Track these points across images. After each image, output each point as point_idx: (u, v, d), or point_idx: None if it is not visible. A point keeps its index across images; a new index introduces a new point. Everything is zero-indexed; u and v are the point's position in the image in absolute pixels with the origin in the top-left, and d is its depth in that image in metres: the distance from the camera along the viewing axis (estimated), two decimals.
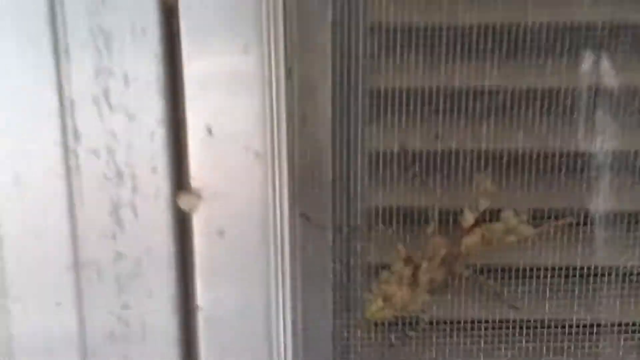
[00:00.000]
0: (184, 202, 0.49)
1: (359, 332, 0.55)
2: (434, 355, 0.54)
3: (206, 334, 0.52)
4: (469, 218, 0.47)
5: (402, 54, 0.49)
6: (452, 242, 0.49)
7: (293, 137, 0.50)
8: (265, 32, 0.46)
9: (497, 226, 0.48)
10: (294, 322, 0.52)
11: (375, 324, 0.52)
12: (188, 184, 0.49)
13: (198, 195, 0.49)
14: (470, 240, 0.49)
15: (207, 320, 0.52)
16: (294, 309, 0.52)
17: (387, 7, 0.47)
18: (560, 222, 0.48)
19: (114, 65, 0.47)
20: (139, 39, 0.47)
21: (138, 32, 0.47)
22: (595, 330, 0.54)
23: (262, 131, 0.48)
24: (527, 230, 0.47)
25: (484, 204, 0.47)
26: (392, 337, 0.54)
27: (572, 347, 0.54)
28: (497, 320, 0.53)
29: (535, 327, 0.53)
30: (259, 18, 0.46)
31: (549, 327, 0.53)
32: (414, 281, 0.50)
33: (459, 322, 0.53)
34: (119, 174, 0.49)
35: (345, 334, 0.55)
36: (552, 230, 0.48)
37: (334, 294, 0.55)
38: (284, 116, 0.48)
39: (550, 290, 0.52)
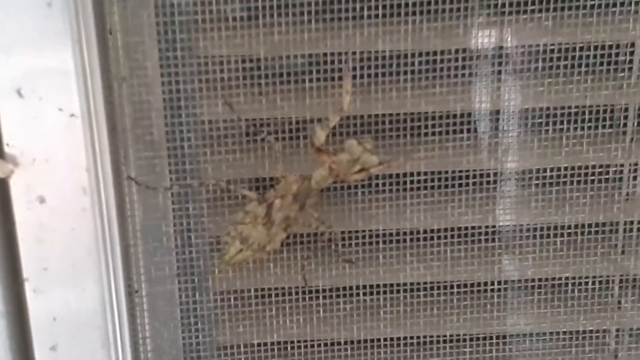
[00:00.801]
0: None
1: (202, 295, 0.54)
2: None
3: (34, 304, 0.50)
4: (320, 135, 0.46)
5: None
6: (303, 178, 0.49)
7: (112, 98, 0.47)
8: None
9: (343, 156, 0.47)
10: (127, 284, 0.50)
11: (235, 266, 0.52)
12: (2, 150, 0.46)
13: (14, 161, 0.47)
14: (319, 174, 0.49)
15: (35, 290, 0.49)
16: (126, 272, 0.50)
17: None
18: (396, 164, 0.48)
19: None
20: None
21: None
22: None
23: (77, 91, 0.46)
24: (371, 160, 0.47)
25: (333, 120, 0.46)
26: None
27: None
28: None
29: None
30: None
31: None
32: (268, 220, 0.48)
33: None
34: None
35: (188, 299, 0.53)
36: (392, 166, 0.48)
37: (175, 258, 0.53)
38: (98, 75, 0.46)
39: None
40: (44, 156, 0.47)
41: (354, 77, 0.47)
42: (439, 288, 0.55)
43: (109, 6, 0.47)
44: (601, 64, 0.49)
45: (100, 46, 0.46)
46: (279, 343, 0.55)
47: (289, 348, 0.55)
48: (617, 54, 0.49)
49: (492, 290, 0.55)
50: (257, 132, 0.49)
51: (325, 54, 0.48)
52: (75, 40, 0.45)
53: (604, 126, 0.51)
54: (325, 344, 0.56)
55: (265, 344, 0.55)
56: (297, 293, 0.54)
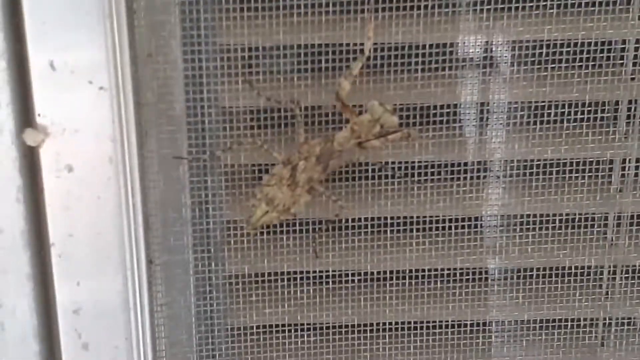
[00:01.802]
0: (30, 137, 0.49)
1: (218, 265, 0.56)
2: None
3: (60, 269, 0.52)
4: (345, 86, 0.49)
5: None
6: (325, 140, 0.51)
7: (138, 73, 0.50)
8: None
9: (364, 117, 0.50)
10: (147, 252, 0.53)
11: (262, 228, 0.54)
12: (34, 119, 0.49)
13: (44, 131, 0.49)
14: (341, 136, 0.51)
15: (60, 255, 0.52)
16: (147, 241, 0.53)
17: None
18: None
19: None
20: None
21: None
22: None
23: (106, 66, 0.49)
24: (391, 120, 0.49)
25: (357, 66, 0.49)
26: None
27: None
28: None
29: None
30: None
31: None
32: (293, 182, 0.51)
33: None
34: None
35: (203, 268, 0.56)
36: (410, 134, 0.51)
37: (192, 229, 0.55)
38: (127, 51, 0.49)
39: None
40: (74, 127, 0.50)
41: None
42: (429, 277, 0.57)
43: None
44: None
45: (129, 23, 0.48)
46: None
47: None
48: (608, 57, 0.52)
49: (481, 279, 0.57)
50: (278, 103, 0.51)
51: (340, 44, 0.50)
52: (106, 17, 0.47)
53: (595, 119, 0.54)
54: (340, 326, 0.58)
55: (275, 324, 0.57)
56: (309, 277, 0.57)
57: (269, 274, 0.57)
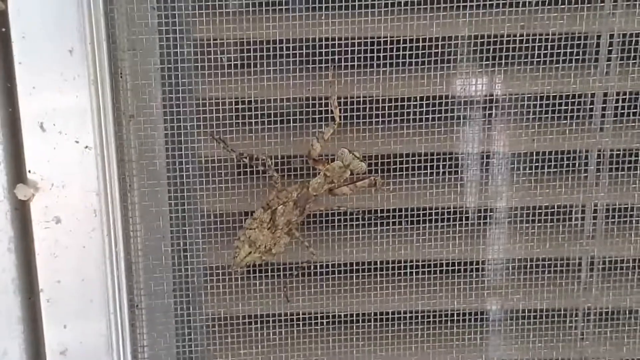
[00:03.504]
0: (21, 192, 0.54)
1: (197, 309, 0.61)
2: None
3: (48, 313, 0.57)
4: (316, 147, 0.55)
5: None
6: (302, 186, 0.56)
7: (122, 133, 0.55)
8: (88, 37, 0.52)
9: (335, 163, 0.55)
10: (130, 297, 0.57)
11: (247, 267, 0.59)
12: (25, 175, 0.54)
13: (34, 186, 0.54)
14: (315, 182, 0.56)
15: (49, 300, 0.56)
16: (130, 287, 0.57)
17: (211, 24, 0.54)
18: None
19: None
20: None
21: None
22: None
23: (91, 127, 0.53)
24: (360, 166, 0.55)
25: (328, 132, 0.55)
26: None
27: None
28: None
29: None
30: (82, 24, 0.51)
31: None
32: (273, 224, 0.56)
33: None
34: None
35: (182, 312, 0.60)
36: (377, 180, 0.56)
37: (172, 275, 0.60)
38: (110, 113, 0.54)
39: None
40: (61, 182, 0.54)
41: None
42: (417, 267, 0.61)
43: (121, 53, 0.54)
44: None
45: (112, 88, 0.53)
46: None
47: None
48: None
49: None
50: (253, 163, 0.56)
51: (307, 98, 0.56)
52: (91, 82, 0.52)
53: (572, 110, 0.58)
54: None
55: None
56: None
57: (244, 317, 0.61)
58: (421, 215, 0.59)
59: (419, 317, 0.62)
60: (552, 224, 0.60)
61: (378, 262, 0.61)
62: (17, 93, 0.53)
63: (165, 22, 0.54)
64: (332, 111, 0.53)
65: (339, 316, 0.62)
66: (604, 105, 0.58)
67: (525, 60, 0.56)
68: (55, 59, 0.52)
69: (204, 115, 0.56)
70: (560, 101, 0.57)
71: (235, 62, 0.55)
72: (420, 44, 0.55)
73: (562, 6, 0.54)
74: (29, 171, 0.54)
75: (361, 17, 0.54)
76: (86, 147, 0.53)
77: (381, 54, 0.55)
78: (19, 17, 0.51)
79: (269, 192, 0.57)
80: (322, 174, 0.55)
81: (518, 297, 0.61)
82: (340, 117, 0.53)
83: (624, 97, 0.57)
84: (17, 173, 0.54)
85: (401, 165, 0.58)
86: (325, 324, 0.62)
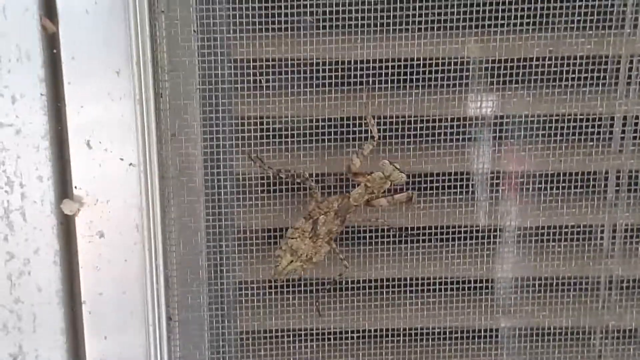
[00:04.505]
0: (67, 207, 0.56)
1: (231, 322, 0.62)
2: None
3: (89, 324, 0.59)
4: (356, 162, 0.57)
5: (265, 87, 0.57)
6: (342, 197, 0.58)
7: (163, 150, 0.57)
8: (134, 58, 0.54)
9: (376, 174, 0.57)
10: (167, 309, 0.59)
11: (288, 275, 0.61)
12: (71, 191, 0.56)
13: (80, 202, 0.56)
14: (356, 192, 0.58)
15: (90, 312, 0.58)
16: (167, 300, 0.59)
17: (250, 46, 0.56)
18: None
19: (1, 86, 0.54)
20: (25, 63, 0.54)
21: (23, 56, 0.54)
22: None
23: (135, 144, 0.56)
24: (400, 177, 0.57)
25: (368, 148, 0.56)
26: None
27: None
28: None
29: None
30: (129, 46, 0.54)
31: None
32: (314, 234, 0.58)
33: None
34: (9, 183, 0.56)
35: (217, 325, 0.62)
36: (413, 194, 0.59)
37: (208, 289, 0.62)
38: (154, 131, 0.56)
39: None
40: (106, 197, 0.56)
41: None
42: (446, 284, 0.63)
43: (163, 74, 0.57)
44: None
45: (155, 107, 0.56)
46: None
47: None
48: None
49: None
50: (289, 179, 0.58)
51: (342, 118, 0.58)
52: (137, 102, 0.55)
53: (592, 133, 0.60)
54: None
55: None
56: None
57: (277, 331, 0.63)
58: (450, 233, 0.61)
59: (448, 334, 0.64)
60: (576, 242, 0.61)
61: (408, 279, 0.62)
62: (65, 112, 0.54)
63: (206, 45, 0.56)
64: (370, 130, 0.55)
65: (369, 331, 0.63)
66: (623, 128, 0.60)
67: (554, 83, 0.57)
68: (103, 79, 0.54)
69: (242, 134, 0.57)
70: (581, 124, 0.59)
71: (273, 83, 0.57)
72: (452, 67, 0.56)
73: (590, 32, 0.56)
74: (75, 187, 0.56)
75: (395, 40, 0.55)
76: (130, 164, 0.55)
77: (414, 76, 0.57)
78: (69, 39, 0.53)
79: (309, 202, 0.59)
80: (362, 185, 0.57)
81: (544, 314, 0.62)
82: (378, 134, 0.55)
83: None
84: (64, 189, 0.56)
85: (432, 185, 0.59)
86: (355, 338, 0.63)
